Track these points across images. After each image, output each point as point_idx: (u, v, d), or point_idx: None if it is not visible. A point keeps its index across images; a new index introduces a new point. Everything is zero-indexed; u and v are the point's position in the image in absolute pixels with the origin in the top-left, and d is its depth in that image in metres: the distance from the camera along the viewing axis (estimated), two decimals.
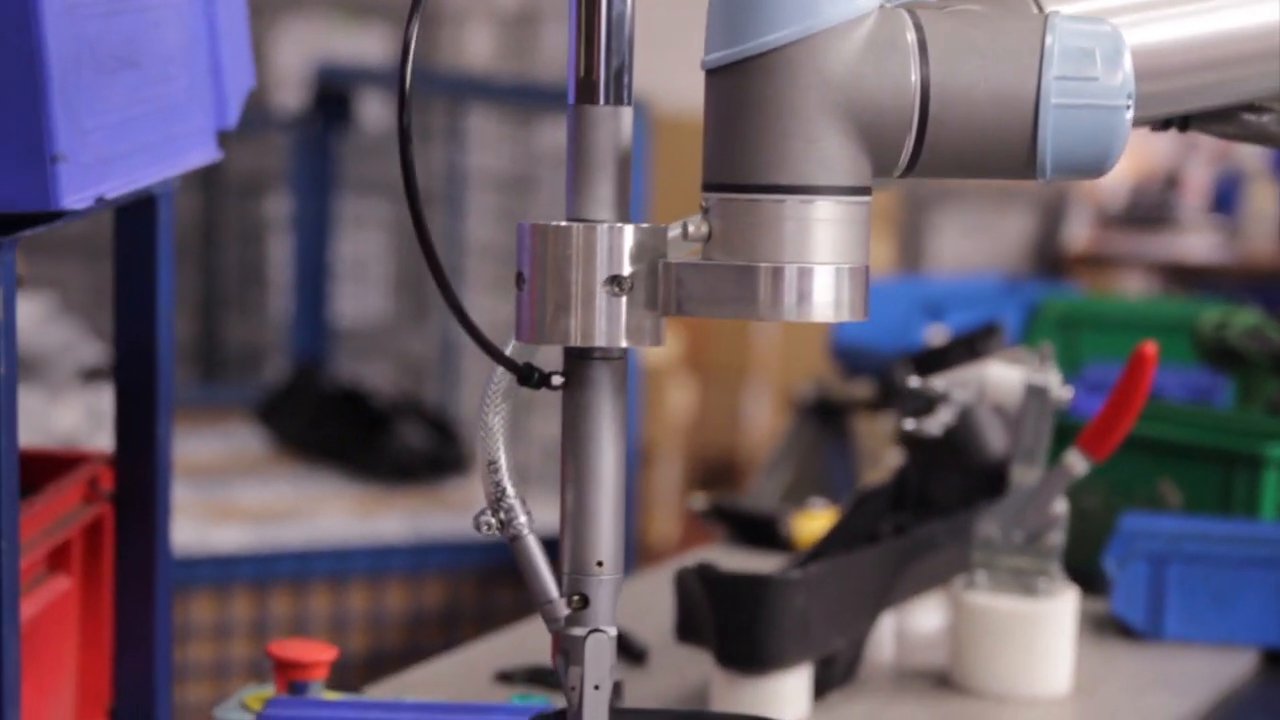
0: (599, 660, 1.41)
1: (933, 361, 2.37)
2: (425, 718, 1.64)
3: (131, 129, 1.62)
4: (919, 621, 2.13)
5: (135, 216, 1.81)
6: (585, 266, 1.35)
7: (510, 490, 1.41)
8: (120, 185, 1.60)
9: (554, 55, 4.65)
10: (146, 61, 1.66)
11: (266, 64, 4.42)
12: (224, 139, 1.88)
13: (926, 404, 1.98)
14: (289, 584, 3.55)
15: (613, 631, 1.41)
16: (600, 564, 1.40)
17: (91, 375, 3.54)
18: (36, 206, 1.49)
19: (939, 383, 1.99)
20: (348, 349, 4.47)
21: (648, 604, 2.14)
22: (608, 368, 1.39)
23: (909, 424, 1.97)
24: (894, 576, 1.95)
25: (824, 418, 3.27)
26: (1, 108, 1.46)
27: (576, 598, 1.41)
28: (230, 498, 3.75)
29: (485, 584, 3.65)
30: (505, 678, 1.95)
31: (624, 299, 1.35)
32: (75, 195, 1.50)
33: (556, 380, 1.40)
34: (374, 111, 4.50)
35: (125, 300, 1.83)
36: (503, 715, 1.63)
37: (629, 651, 2.01)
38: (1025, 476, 1.98)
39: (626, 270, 1.35)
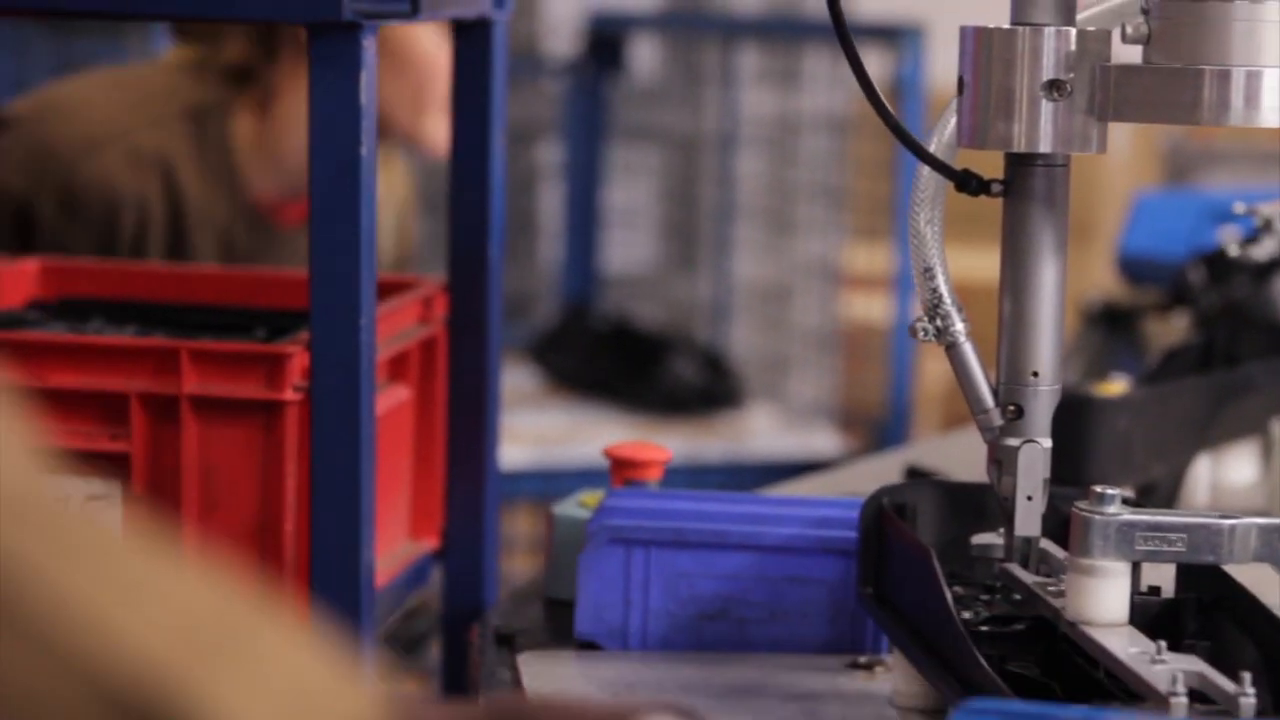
0: (1032, 470, 1.41)
1: (1226, 262, 2.37)
2: (760, 508, 1.67)
3: None
4: (1232, 473, 2.13)
5: (473, 40, 1.87)
6: (1030, 70, 1.34)
7: (947, 296, 1.40)
8: None
9: None
10: None
11: (539, 12, 4.49)
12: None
13: (1253, 232, 1.98)
14: None
15: (1047, 443, 1.41)
16: (1036, 374, 1.40)
17: None
18: None
19: (1266, 208, 1.99)
20: (616, 294, 4.52)
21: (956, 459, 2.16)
22: (1049, 176, 1.38)
23: (1233, 249, 1.97)
24: (1212, 412, 1.96)
25: (1112, 322, 3.26)
26: None
27: (1011, 408, 1.40)
28: (509, 424, 3.80)
29: None
30: None
31: (1063, 104, 1.33)
32: None
33: (996, 188, 1.39)
34: (645, 58, 4.56)
35: (461, 125, 1.88)
36: (838, 508, 1.66)
37: None
38: None
39: (1068, 74, 1.33)
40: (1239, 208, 2.02)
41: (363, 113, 1.56)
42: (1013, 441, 1.41)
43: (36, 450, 0.78)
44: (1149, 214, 3.39)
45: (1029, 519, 1.41)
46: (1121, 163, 5.60)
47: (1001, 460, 1.41)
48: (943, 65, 3.87)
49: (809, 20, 4.42)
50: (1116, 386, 2.48)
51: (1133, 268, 3.40)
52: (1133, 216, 3.41)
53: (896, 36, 3.82)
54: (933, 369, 5.92)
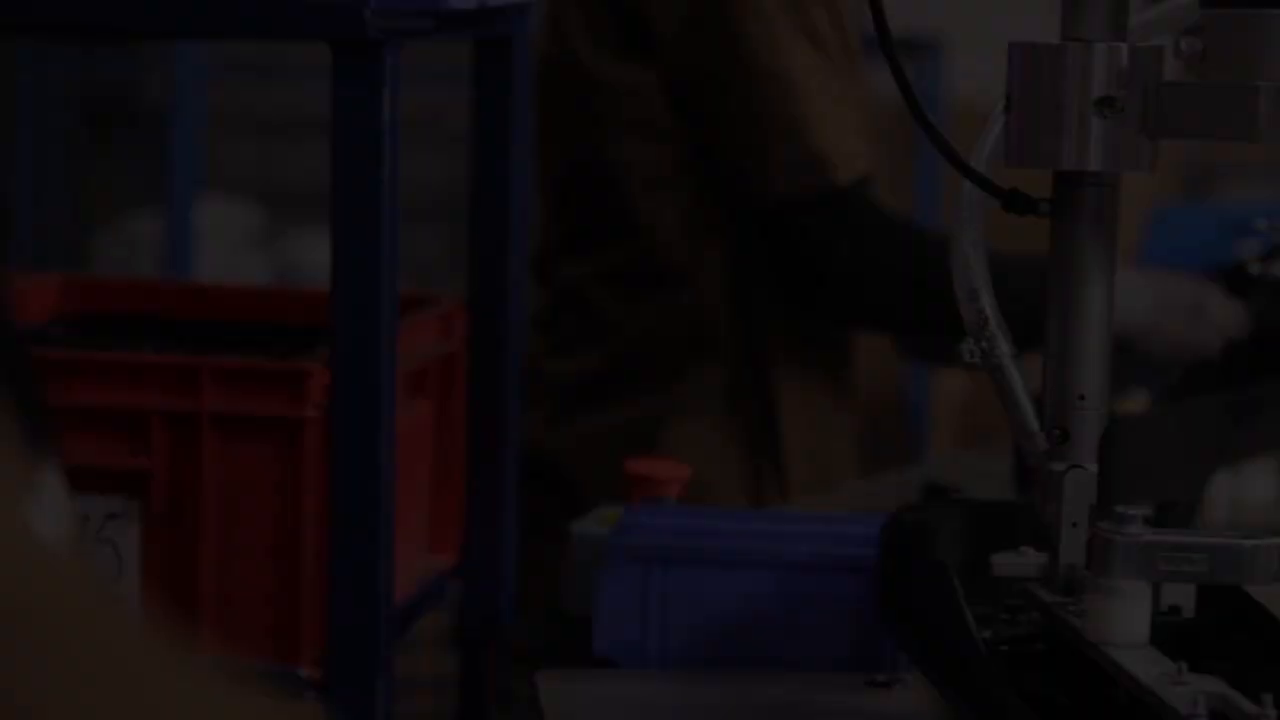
0: (1079, 496, 1.37)
1: (1245, 277, 2.37)
2: (779, 526, 1.67)
3: None
4: (1252, 488, 2.12)
5: (493, 57, 1.87)
6: (1079, 87, 1.31)
7: (993, 319, 1.37)
8: None
9: None
10: None
11: None
12: None
13: (1273, 248, 1.98)
14: None
15: (1093, 468, 1.37)
16: (1083, 398, 1.36)
17: None
18: (427, 4, 1.56)
19: None
20: None
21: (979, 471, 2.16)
22: (1099, 195, 1.35)
23: (1254, 267, 1.97)
24: (1232, 429, 1.95)
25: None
26: None
27: (1057, 431, 1.36)
28: None
29: None
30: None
31: (1114, 121, 1.31)
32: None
33: (1044, 207, 1.36)
34: None
35: (481, 141, 1.88)
36: (857, 525, 1.66)
37: None
38: None
39: (1120, 91, 1.30)
40: (1262, 224, 2.02)
41: (385, 130, 1.56)
42: (1058, 466, 1.37)
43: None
44: (1168, 228, 3.38)
45: (1073, 546, 1.37)
46: (1138, 175, 5.59)
47: (1047, 485, 1.38)
48: (960, 80, 3.87)
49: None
50: (1136, 403, 2.48)
51: None
52: (1151, 230, 3.41)
53: (914, 51, 3.82)
54: (948, 383, 5.91)
